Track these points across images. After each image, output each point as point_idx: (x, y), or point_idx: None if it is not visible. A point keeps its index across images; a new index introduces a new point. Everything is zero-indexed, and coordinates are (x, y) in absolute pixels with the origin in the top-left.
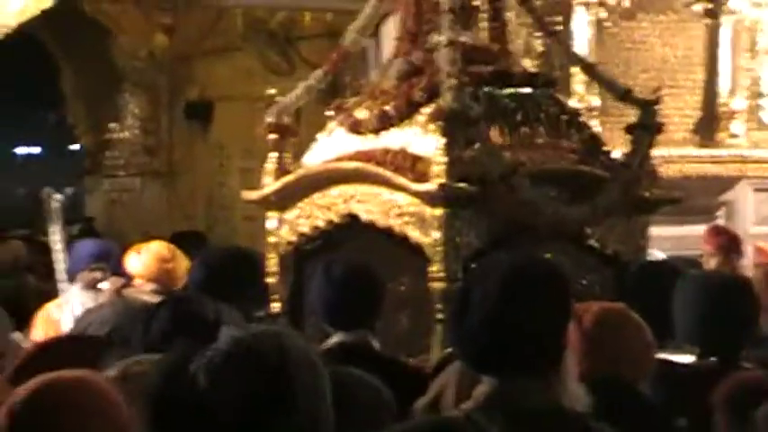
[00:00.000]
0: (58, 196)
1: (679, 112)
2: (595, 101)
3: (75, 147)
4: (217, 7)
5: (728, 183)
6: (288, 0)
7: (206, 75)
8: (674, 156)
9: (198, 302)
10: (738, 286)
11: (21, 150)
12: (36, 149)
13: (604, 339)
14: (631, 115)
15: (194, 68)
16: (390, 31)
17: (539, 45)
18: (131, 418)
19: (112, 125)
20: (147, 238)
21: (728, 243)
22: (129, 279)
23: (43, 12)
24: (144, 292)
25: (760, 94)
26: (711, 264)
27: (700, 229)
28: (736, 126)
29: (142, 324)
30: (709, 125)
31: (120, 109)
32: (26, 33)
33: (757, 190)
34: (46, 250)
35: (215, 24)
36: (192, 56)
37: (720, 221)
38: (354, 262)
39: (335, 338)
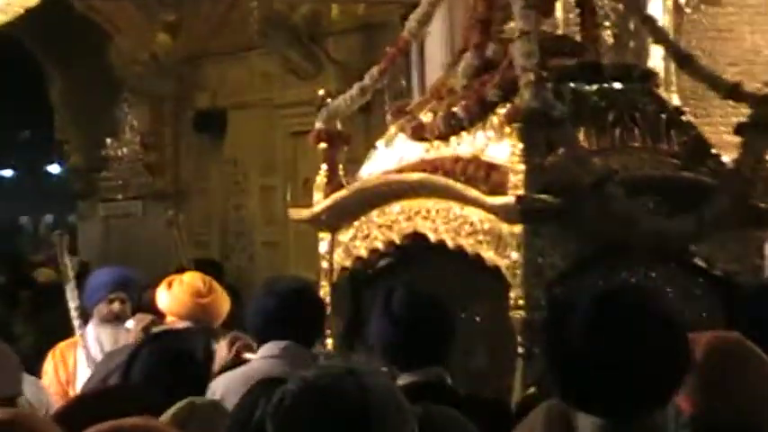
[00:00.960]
0: (66, 236)
1: None
2: (675, 99)
3: (54, 168)
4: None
5: None
6: None
7: (217, 79)
8: None
9: (185, 339)
10: None
11: None
12: (7, 172)
13: (720, 375)
14: (717, 116)
15: (203, 72)
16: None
17: (608, 36)
18: None
19: (109, 141)
20: (179, 269)
21: None
22: (160, 316)
23: (28, 11)
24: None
25: None
26: None
27: None
28: None
29: (123, 364)
30: None
31: (117, 122)
32: (5, 36)
33: None
34: (30, 283)
35: (226, 20)
36: (201, 58)
37: None
38: (417, 293)
39: (404, 379)
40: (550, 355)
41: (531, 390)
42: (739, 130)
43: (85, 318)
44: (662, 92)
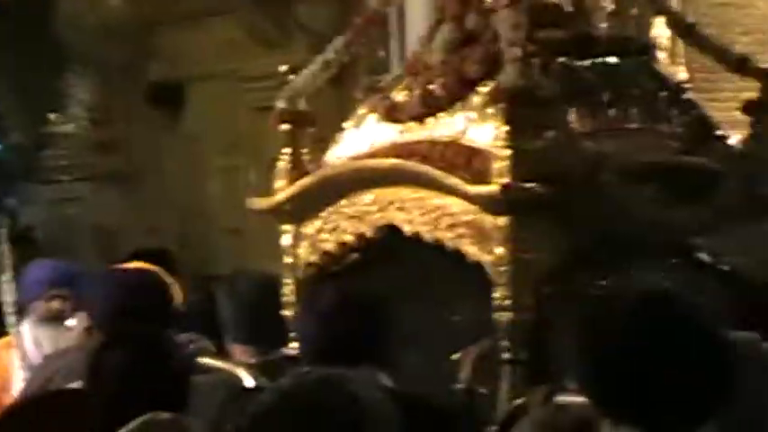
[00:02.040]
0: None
1: None
2: (682, 74)
3: None
4: None
5: None
6: None
7: (175, 48)
8: None
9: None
10: None
11: None
12: None
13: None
14: (728, 91)
15: (159, 40)
16: None
17: (608, 2)
18: None
19: (53, 116)
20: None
21: None
22: None
23: None
24: None
25: None
26: None
27: None
28: None
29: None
30: None
31: (62, 95)
32: None
33: None
34: None
35: None
36: (157, 24)
37: None
38: (346, 292)
39: None
40: (586, 359)
41: (518, 401)
42: (747, 108)
43: (21, 314)
44: (668, 65)
